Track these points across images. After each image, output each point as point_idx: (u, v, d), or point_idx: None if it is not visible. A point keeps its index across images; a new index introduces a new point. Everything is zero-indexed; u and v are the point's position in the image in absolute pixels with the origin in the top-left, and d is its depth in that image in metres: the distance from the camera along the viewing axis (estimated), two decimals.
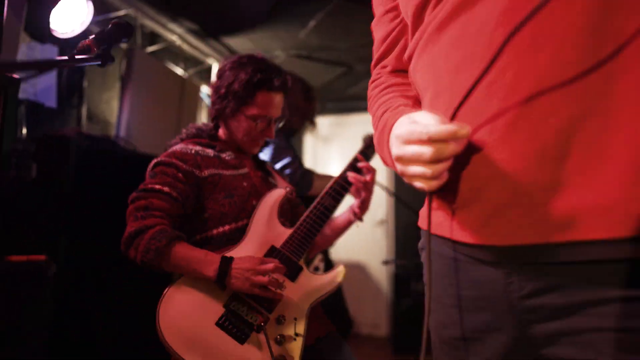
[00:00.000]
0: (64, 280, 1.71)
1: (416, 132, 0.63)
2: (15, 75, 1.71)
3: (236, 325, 1.22)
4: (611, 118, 0.58)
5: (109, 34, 1.01)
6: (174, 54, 3.35)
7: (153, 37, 3.15)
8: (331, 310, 2.52)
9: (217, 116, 1.47)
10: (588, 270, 0.60)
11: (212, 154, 1.44)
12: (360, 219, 1.49)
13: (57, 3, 2.04)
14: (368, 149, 1.52)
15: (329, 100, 4.91)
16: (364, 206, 1.47)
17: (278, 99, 1.45)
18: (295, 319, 1.26)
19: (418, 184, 0.66)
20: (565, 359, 0.63)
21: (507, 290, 0.67)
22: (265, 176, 1.53)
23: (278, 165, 2.29)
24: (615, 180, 0.57)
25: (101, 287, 1.96)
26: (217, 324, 1.22)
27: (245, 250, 1.31)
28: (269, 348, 1.17)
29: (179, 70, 3.34)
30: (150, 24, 2.99)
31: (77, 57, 0.90)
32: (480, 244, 0.67)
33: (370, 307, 4.38)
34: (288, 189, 1.46)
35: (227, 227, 1.36)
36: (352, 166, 1.48)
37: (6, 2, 1.84)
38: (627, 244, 0.57)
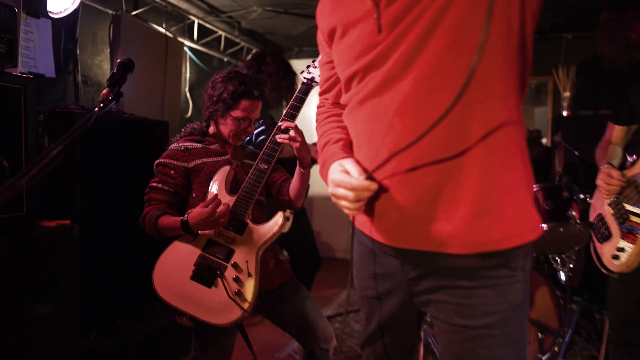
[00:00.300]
0: (85, 238, 2.12)
1: (344, 181, 0.99)
2: (31, 75, 2.01)
3: (204, 275, 1.65)
4: (461, 182, 0.95)
5: (118, 76, 1.34)
6: (157, 13, 3.53)
7: (137, 1, 3.32)
8: (303, 250, 3.02)
9: (209, 117, 1.85)
10: (445, 268, 1.02)
11: (200, 147, 1.83)
12: (304, 168, 1.77)
13: None
14: (293, 109, 1.77)
15: (305, 46, 5.12)
16: (301, 158, 1.75)
17: (256, 104, 1.82)
18: (247, 262, 1.65)
19: (345, 210, 1.04)
20: (431, 315, 1.08)
21: (401, 273, 1.09)
22: (243, 157, 1.92)
23: (255, 132, 2.65)
24: (461, 220, 0.96)
25: (116, 240, 2.40)
26: (191, 276, 1.66)
27: None
28: (225, 287, 1.60)
29: (162, 29, 3.54)
30: None
31: (102, 107, 1.23)
32: (386, 244, 1.07)
33: (344, 234, 5.01)
34: (234, 164, 1.81)
35: (195, 194, 1.78)
36: (279, 129, 1.76)
37: None
38: (465, 257, 0.98)
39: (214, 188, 1.74)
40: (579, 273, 3.23)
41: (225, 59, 4.47)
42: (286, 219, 2.68)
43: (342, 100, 1.14)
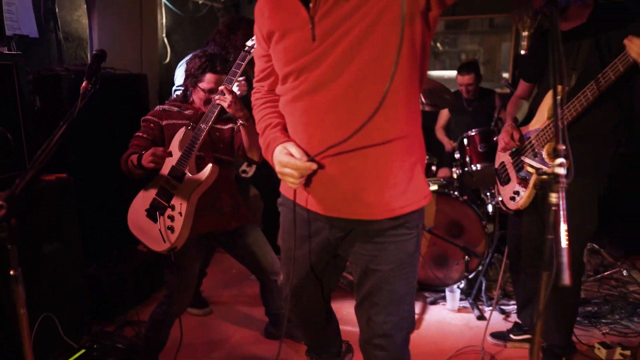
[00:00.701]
0: (80, 187, 2.51)
1: (290, 163, 1.29)
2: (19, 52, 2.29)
3: (152, 213, 2.07)
4: (377, 165, 1.27)
5: (92, 68, 1.65)
6: None
7: None
8: (273, 199, 3.42)
9: (186, 89, 2.21)
10: (364, 230, 1.36)
11: (175, 110, 2.19)
12: (242, 125, 2.07)
13: None
14: (232, 75, 2.02)
15: None
16: (235, 115, 2.05)
17: (220, 78, 2.13)
18: (181, 204, 2.04)
19: (289, 184, 1.34)
20: (351, 261, 1.46)
21: (329, 233, 1.43)
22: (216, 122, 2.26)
23: None
24: (376, 193, 1.30)
25: (104, 188, 2.79)
26: (146, 214, 2.09)
27: (163, 170, 2.08)
28: (159, 222, 2.02)
29: None
30: None
31: (83, 100, 1.55)
32: (317, 212, 1.41)
33: None
34: (190, 126, 2.14)
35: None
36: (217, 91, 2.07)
37: None
38: (378, 221, 1.33)
39: (171, 145, 2.12)
40: None
41: (201, 1, 4.60)
42: (243, 171, 3.06)
43: (278, 91, 1.42)
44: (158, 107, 2.24)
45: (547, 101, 1.98)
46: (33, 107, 2.64)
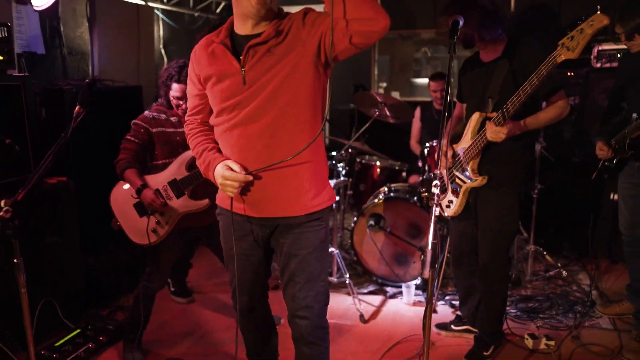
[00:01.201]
0: (80, 189, 2.88)
1: (232, 176, 1.64)
2: (26, 73, 2.66)
3: (139, 208, 2.42)
4: (296, 177, 1.65)
5: (84, 95, 1.99)
6: None
7: None
8: None
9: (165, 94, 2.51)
10: (287, 225, 1.71)
11: (163, 118, 2.50)
12: None
13: None
14: None
15: None
16: None
17: (182, 86, 2.44)
18: (170, 216, 2.41)
19: (228, 194, 1.69)
20: (277, 251, 1.81)
21: (260, 231, 1.78)
22: None
23: None
24: (296, 197, 1.66)
25: (101, 188, 3.15)
26: (134, 204, 2.43)
27: (161, 177, 2.44)
28: (147, 223, 2.39)
29: None
30: None
31: (76, 122, 1.90)
32: (250, 215, 1.75)
33: None
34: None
35: (160, 162, 2.49)
36: None
37: None
38: (298, 217, 1.68)
39: (179, 160, 2.46)
40: None
41: (196, 14, 4.96)
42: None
43: (212, 122, 1.76)
44: (147, 114, 2.52)
45: (472, 123, 2.29)
46: (38, 118, 3.01)
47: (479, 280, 2.52)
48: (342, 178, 3.54)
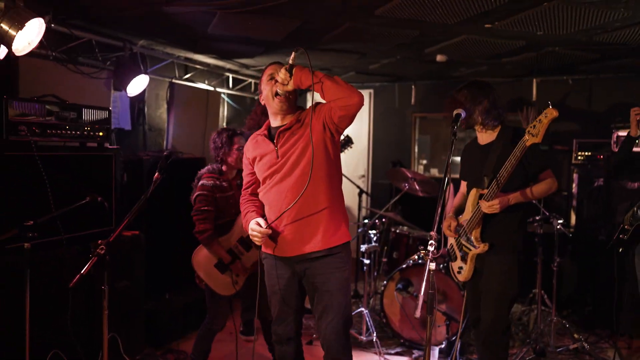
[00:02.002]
0: (148, 245, 3.42)
1: (256, 229, 2.19)
2: (117, 146, 3.30)
3: (220, 267, 2.87)
4: (318, 223, 2.17)
5: (163, 164, 2.55)
6: (201, 74, 4.80)
7: (187, 67, 4.60)
8: None
9: (221, 161, 3.03)
10: (313, 260, 2.20)
11: (218, 184, 2.99)
12: None
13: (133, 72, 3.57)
14: None
15: None
16: None
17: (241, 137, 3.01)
18: (245, 268, 2.88)
19: (256, 241, 2.22)
20: (308, 285, 2.27)
21: (293, 268, 2.26)
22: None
23: None
24: (320, 238, 2.16)
25: (163, 244, 3.69)
26: (215, 264, 2.88)
27: (232, 237, 2.92)
28: (231, 277, 2.84)
29: (204, 85, 4.81)
30: (184, 62, 4.44)
31: (154, 186, 2.44)
32: (281, 256, 2.25)
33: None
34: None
35: (222, 222, 2.98)
36: None
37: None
38: (321, 251, 2.18)
39: (238, 226, 2.95)
40: None
41: (256, 97, 5.70)
42: None
43: (260, 189, 2.34)
44: (207, 183, 2.94)
45: (470, 198, 2.58)
46: (122, 182, 3.65)
47: (480, 346, 2.66)
48: (373, 244, 3.89)
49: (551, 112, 2.26)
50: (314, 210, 2.17)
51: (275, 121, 2.30)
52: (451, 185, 4.64)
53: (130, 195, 3.57)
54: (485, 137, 2.66)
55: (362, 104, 2.08)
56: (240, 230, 2.93)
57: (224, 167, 3.07)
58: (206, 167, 3.09)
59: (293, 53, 2.18)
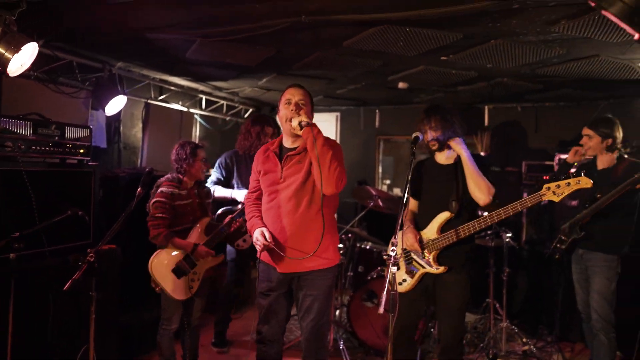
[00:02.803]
0: (123, 258, 3.53)
1: (260, 239, 2.40)
2: (96, 162, 3.43)
3: (177, 272, 3.01)
4: (309, 242, 2.41)
5: (146, 181, 2.72)
6: (176, 95, 4.98)
7: (162, 88, 4.78)
8: None
9: (183, 172, 3.15)
10: (306, 277, 2.44)
11: (177, 192, 3.11)
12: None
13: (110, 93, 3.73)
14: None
15: None
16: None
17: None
18: (200, 272, 3.06)
19: (257, 248, 2.43)
20: (297, 294, 2.50)
21: (285, 279, 2.47)
22: (201, 201, 3.25)
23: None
24: (312, 257, 2.39)
25: (137, 258, 3.80)
26: (172, 269, 3.02)
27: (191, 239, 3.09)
28: (184, 280, 2.99)
29: (178, 106, 4.99)
30: (159, 83, 4.62)
31: (137, 200, 2.60)
32: (277, 269, 2.46)
33: None
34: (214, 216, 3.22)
35: (178, 228, 3.10)
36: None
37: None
38: (314, 271, 2.45)
39: (198, 229, 3.13)
40: None
41: (228, 118, 5.91)
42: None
43: (262, 199, 2.58)
44: (167, 190, 3.05)
45: (439, 220, 2.73)
46: (98, 198, 3.76)
47: (440, 357, 2.82)
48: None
49: (585, 182, 2.47)
50: (310, 234, 2.40)
51: (287, 141, 2.54)
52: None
53: (106, 210, 3.69)
54: (443, 157, 2.84)
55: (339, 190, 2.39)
56: (198, 236, 3.11)
57: (185, 178, 3.17)
58: (165, 177, 3.19)
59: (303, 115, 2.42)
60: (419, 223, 2.88)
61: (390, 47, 3.33)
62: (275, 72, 4.37)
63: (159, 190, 3.10)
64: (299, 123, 2.38)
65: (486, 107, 5.67)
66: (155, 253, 3.10)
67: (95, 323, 3.28)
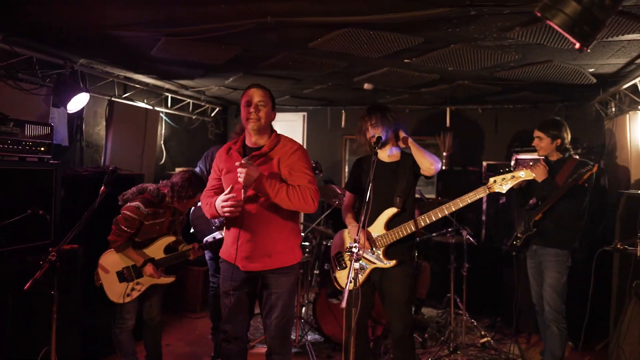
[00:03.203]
0: (86, 258, 3.48)
1: (228, 201, 2.36)
2: (57, 161, 3.37)
3: (120, 276, 3.02)
4: (271, 242, 2.43)
5: (109, 179, 2.70)
6: (140, 93, 4.92)
7: (126, 86, 4.72)
8: None
9: (178, 197, 3.12)
10: (268, 275, 2.46)
11: (153, 211, 3.11)
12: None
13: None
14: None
15: None
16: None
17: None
18: (144, 285, 3.06)
19: (227, 213, 2.38)
20: (261, 291, 2.54)
21: (247, 278, 2.48)
22: (173, 220, 3.26)
23: None
24: (273, 256, 2.43)
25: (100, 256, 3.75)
26: (117, 272, 3.04)
27: (143, 254, 3.10)
28: (125, 289, 3.01)
29: (143, 104, 4.93)
30: (123, 81, 4.56)
31: (101, 198, 2.58)
32: (240, 267, 2.46)
33: None
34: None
35: (140, 240, 3.10)
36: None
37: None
38: (276, 269, 2.46)
39: (157, 246, 3.15)
40: (426, 287, 4.62)
41: (194, 117, 5.88)
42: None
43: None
44: (144, 210, 3.00)
45: (385, 216, 2.81)
46: (60, 197, 3.69)
47: (394, 350, 2.91)
48: (306, 256, 4.18)
49: (528, 174, 2.71)
50: (272, 233, 2.43)
51: (249, 140, 2.54)
52: None
53: (68, 209, 3.62)
54: (386, 155, 2.91)
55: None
56: (156, 251, 3.14)
57: (173, 203, 3.13)
58: (153, 187, 3.13)
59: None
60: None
61: (354, 49, 3.40)
62: (242, 72, 4.39)
63: (135, 204, 3.04)
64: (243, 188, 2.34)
65: (448, 109, 5.84)
66: (110, 250, 3.11)
67: (57, 324, 3.25)
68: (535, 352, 3.95)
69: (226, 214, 2.38)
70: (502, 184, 2.70)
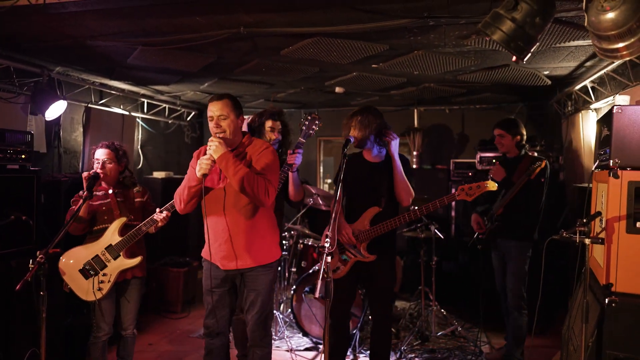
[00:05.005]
0: None
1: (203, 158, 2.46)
2: (38, 168, 3.46)
3: (84, 272, 3.02)
4: (250, 242, 2.56)
5: (91, 184, 2.82)
6: (117, 99, 5.01)
7: (102, 92, 4.80)
8: None
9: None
10: (248, 273, 2.61)
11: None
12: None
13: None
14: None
15: None
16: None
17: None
18: (111, 275, 3.01)
19: (205, 166, 2.44)
20: (242, 288, 2.68)
21: (227, 276, 2.63)
22: (123, 200, 3.24)
23: None
24: (253, 254, 2.58)
25: None
26: (79, 269, 3.03)
27: (99, 244, 3.02)
28: (92, 283, 2.99)
29: (119, 110, 5.02)
30: (99, 87, 4.64)
31: (83, 203, 2.70)
32: (219, 267, 2.61)
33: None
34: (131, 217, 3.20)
35: (95, 228, 3.10)
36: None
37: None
38: (255, 268, 2.61)
39: (111, 230, 3.07)
40: (398, 280, 4.85)
41: (170, 122, 5.97)
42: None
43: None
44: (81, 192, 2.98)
45: (369, 214, 3.00)
46: (40, 202, 3.76)
47: (373, 335, 3.09)
48: (283, 254, 4.35)
49: (492, 186, 2.85)
50: (250, 232, 2.56)
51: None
52: None
53: (48, 215, 3.71)
54: (370, 156, 3.09)
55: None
56: (111, 237, 3.03)
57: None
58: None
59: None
60: (349, 216, 3.10)
61: (324, 56, 3.58)
62: (217, 77, 4.53)
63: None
64: (203, 172, 2.44)
65: (416, 110, 6.08)
66: (65, 253, 3.04)
67: (42, 325, 3.34)
68: (500, 338, 4.20)
69: (201, 172, 2.44)
70: (468, 193, 2.89)
